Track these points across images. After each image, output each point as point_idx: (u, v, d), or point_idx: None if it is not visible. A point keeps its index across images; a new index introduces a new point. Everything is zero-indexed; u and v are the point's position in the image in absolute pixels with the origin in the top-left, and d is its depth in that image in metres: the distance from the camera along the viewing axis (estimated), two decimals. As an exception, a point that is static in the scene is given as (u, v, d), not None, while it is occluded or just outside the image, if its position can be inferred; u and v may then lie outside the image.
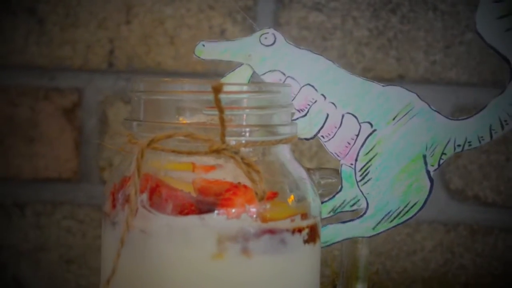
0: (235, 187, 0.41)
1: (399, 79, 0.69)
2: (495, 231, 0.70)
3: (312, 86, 0.48)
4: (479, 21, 0.46)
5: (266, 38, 0.48)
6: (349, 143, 0.48)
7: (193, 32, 0.70)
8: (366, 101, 0.47)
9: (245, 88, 0.46)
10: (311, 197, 0.45)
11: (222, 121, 0.39)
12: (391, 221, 0.48)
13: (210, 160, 0.42)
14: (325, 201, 0.48)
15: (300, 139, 0.48)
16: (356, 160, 0.48)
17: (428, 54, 0.69)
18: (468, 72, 0.69)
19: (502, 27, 0.45)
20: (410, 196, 0.47)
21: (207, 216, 0.41)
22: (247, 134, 0.43)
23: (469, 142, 0.47)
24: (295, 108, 0.47)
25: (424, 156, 0.47)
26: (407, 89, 0.47)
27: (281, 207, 0.43)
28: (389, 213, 0.47)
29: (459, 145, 0.47)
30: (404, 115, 0.47)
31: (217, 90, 0.38)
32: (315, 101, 0.48)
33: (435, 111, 0.47)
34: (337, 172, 0.48)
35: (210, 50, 0.48)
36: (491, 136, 0.47)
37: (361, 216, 0.48)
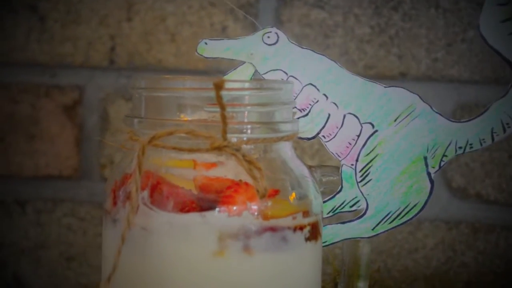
0: (236, 185, 0.41)
1: (400, 77, 0.69)
2: (497, 229, 0.70)
3: (314, 86, 0.48)
4: (483, 24, 0.46)
5: (269, 37, 0.48)
6: (350, 144, 0.48)
7: (194, 30, 0.70)
8: (368, 101, 0.47)
9: (246, 85, 0.46)
10: (313, 195, 0.45)
11: (223, 118, 0.39)
12: (391, 222, 0.47)
13: (211, 157, 0.42)
14: (325, 201, 0.48)
15: (301, 138, 0.48)
16: (356, 160, 0.47)
17: (430, 51, 0.69)
18: (469, 70, 0.69)
19: (505, 30, 0.45)
20: (410, 198, 0.47)
21: (208, 214, 0.41)
22: (249, 131, 0.43)
23: (470, 144, 0.47)
24: (296, 108, 0.47)
25: (425, 158, 0.47)
26: (409, 90, 0.47)
27: (282, 204, 0.43)
28: (389, 214, 0.47)
29: (460, 147, 0.47)
30: (406, 117, 0.47)
31: (218, 87, 0.38)
32: (317, 101, 0.48)
33: (437, 113, 0.47)
34: (338, 169, 0.48)
35: (212, 48, 0.48)
36: (493, 139, 0.47)
37: (361, 216, 0.48)
